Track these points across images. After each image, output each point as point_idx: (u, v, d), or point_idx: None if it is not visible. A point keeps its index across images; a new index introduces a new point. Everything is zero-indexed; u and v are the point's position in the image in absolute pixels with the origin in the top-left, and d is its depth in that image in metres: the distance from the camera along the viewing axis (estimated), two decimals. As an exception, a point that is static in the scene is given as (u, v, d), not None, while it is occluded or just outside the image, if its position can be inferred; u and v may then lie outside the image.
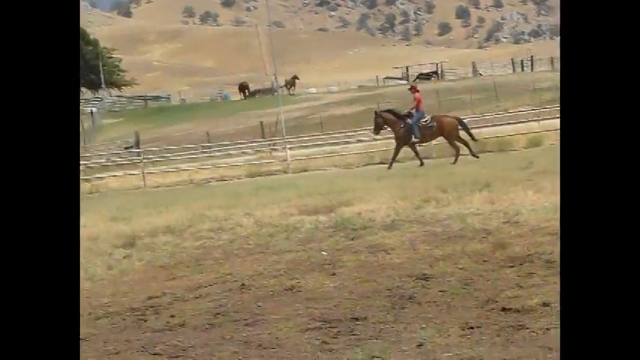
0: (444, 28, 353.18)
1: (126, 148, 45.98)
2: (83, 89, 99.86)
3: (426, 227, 11.30)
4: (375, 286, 8.27)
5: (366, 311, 7.36)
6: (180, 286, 9.15)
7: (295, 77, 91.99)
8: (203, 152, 37.89)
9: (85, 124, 60.12)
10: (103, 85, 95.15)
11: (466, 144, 26.39)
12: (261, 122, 49.14)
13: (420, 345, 6.27)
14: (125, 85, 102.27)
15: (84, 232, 13.52)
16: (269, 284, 8.77)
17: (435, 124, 26.24)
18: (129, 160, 36.13)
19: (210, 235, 12.55)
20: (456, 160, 25.20)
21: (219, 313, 7.82)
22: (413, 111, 26.53)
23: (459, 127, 26.61)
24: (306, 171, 30.25)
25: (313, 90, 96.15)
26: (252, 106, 75.65)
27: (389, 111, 27.85)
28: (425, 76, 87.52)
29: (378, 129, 27.10)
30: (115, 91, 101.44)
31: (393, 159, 26.36)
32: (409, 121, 26.21)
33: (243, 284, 8.87)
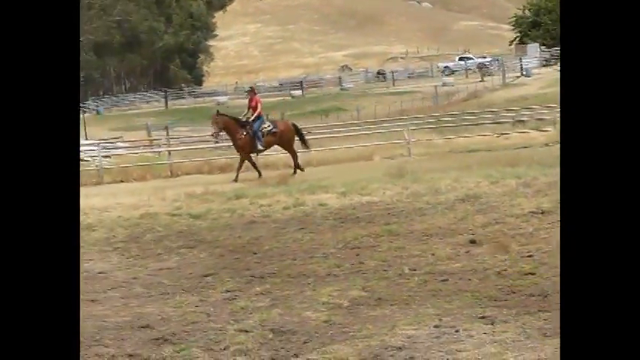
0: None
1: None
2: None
3: None
4: None
5: None
6: None
7: None
8: None
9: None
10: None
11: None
12: None
13: None
14: None
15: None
16: None
17: (277, 129, 23.61)
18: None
19: None
20: (296, 166, 23.26)
21: None
22: (251, 117, 23.46)
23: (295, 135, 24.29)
24: None
25: None
26: None
27: (227, 115, 24.39)
28: None
29: (216, 133, 23.73)
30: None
31: (239, 170, 22.90)
32: (251, 128, 23.20)
33: None
